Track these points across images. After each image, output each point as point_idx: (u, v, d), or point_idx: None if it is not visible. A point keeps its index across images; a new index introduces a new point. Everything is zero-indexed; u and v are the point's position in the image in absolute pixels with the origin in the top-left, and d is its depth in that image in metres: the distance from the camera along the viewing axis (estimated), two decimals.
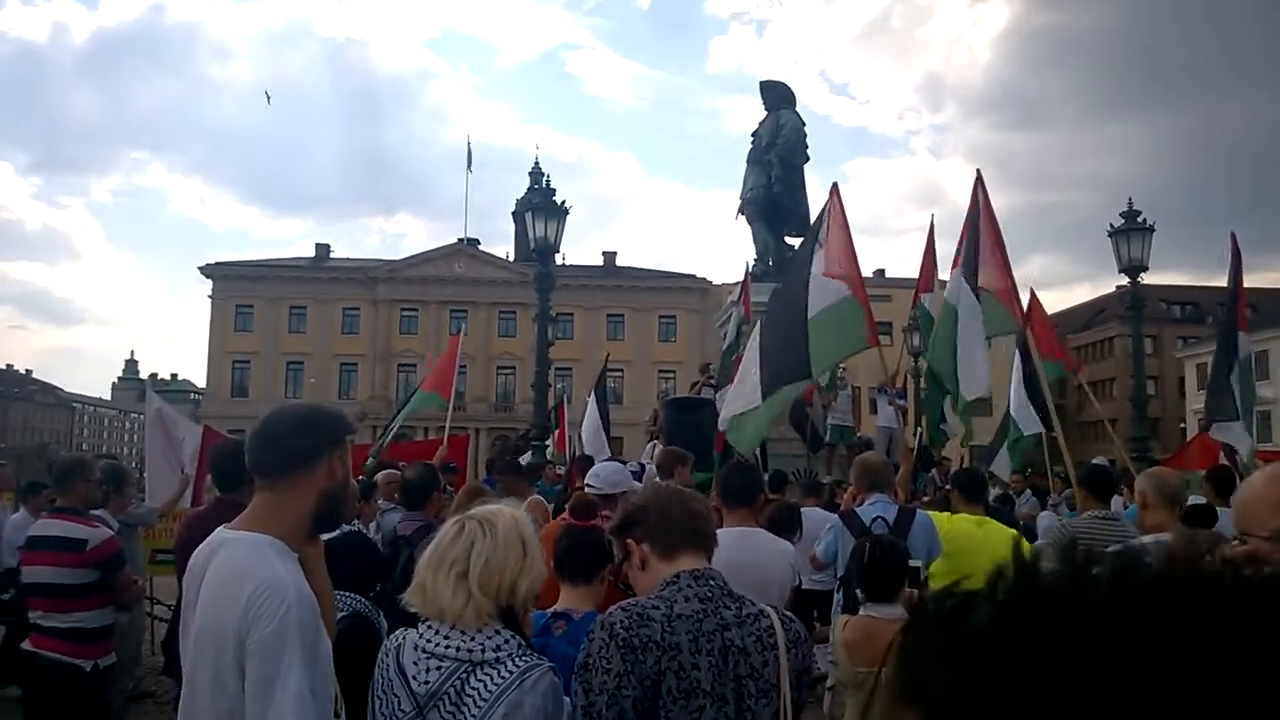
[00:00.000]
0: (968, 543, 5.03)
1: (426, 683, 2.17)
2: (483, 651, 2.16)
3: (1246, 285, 10.43)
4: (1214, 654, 0.44)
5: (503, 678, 2.13)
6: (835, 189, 7.19)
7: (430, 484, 5.80)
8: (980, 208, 7.21)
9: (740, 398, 7.35)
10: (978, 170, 7.26)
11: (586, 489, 5.35)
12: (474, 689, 2.13)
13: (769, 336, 7.22)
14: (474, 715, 2.11)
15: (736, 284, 13.39)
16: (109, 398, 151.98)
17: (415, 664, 2.20)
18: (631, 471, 8.99)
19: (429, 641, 2.21)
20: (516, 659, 2.17)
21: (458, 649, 2.17)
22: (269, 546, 2.09)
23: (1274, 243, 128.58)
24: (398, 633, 2.33)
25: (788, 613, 2.39)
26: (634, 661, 2.10)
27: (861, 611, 3.84)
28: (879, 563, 3.84)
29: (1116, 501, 6.89)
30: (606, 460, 6.17)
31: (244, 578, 2.03)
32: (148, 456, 8.99)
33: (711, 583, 2.27)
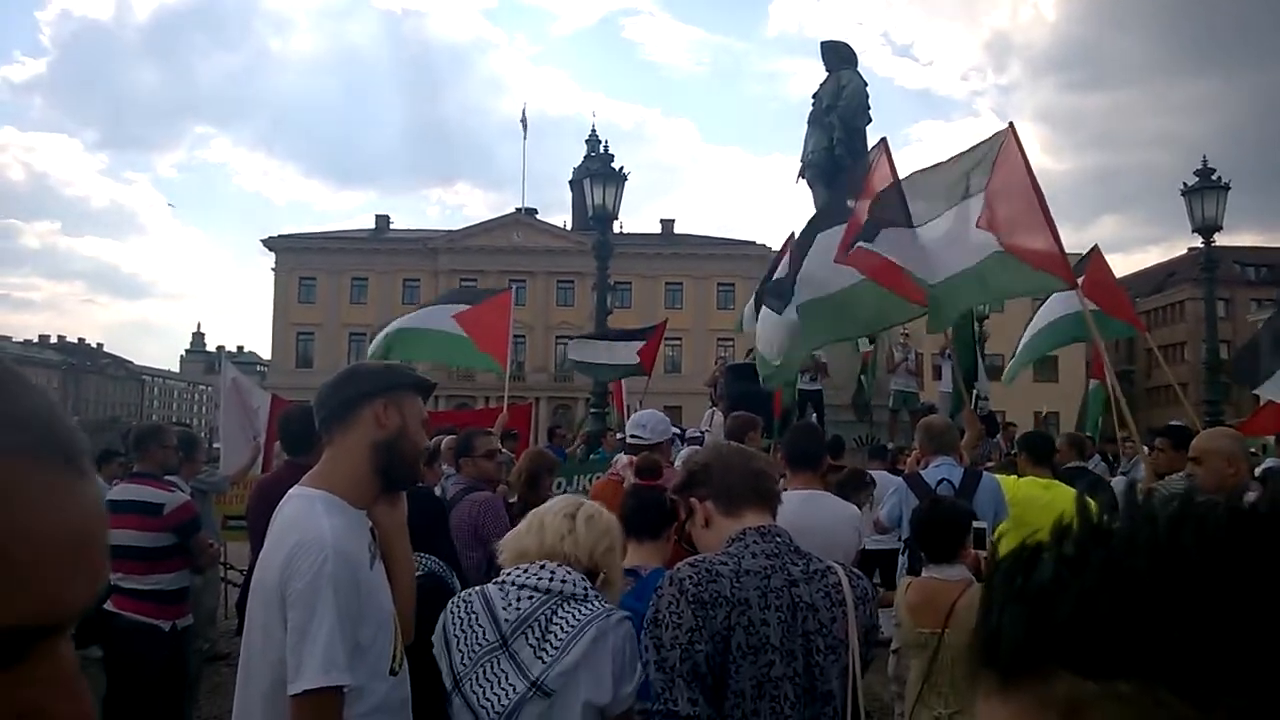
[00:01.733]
0: (1034, 505, 4.95)
1: (517, 610, 2.24)
2: (573, 585, 2.26)
3: None
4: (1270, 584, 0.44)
5: (591, 610, 2.23)
6: (884, 144, 6.96)
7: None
8: (1016, 164, 6.67)
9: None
10: (1010, 124, 6.75)
11: (630, 439, 5.35)
12: (562, 619, 2.21)
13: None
14: (560, 640, 2.18)
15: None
16: (177, 370, 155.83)
17: (504, 595, 2.28)
18: (691, 439, 9.00)
19: (519, 575, 2.30)
20: (603, 600, 2.29)
21: (550, 579, 2.27)
22: (320, 501, 2.09)
23: None
24: (476, 587, 2.40)
25: (855, 570, 2.37)
26: (705, 617, 2.09)
27: (924, 573, 3.80)
28: (939, 523, 3.80)
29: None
30: (646, 411, 6.12)
31: (289, 531, 2.06)
32: (222, 425, 9.20)
33: (778, 539, 2.25)
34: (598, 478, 6.33)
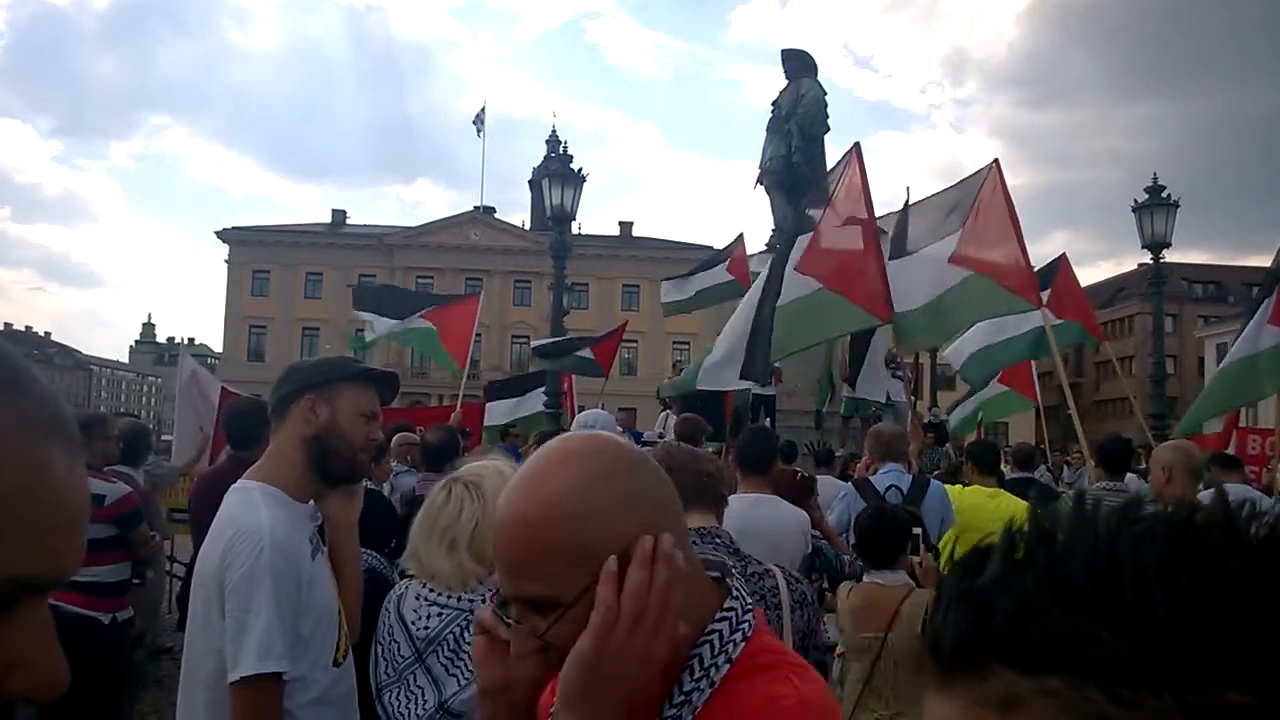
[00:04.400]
0: (980, 513, 5.04)
1: (426, 628, 2.21)
2: (483, 602, 2.19)
3: (1257, 265, 10.22)
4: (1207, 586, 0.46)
5: None
6: (857, 149, 7.08)
7: (452, 446, 5.83)
8: (993, 194, 6.99)
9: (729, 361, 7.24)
10: (995, 160, 7.05)
11: None
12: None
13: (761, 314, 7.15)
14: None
15: (754, 255, 13.30)
16: (126, 361, 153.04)
17: (415, 611, 2.24)
18: (646, 442, 9.04)
19: (431, 591, 2.25)
20: None
21: (459, 599, 2.22)
22: (259, 493, 2.09)
23: None
24: (401, 583, 2.37)
25: (795, 573, 2.37)
26: None
27: (865, 578, 3.85)
28: (880, 530, 3.84)
29: (1132, 479, 6.86)
30: (591, 411, 6.17)
31: (228, 523, 2.06)
32: (177, 418, 9.06)
33: (717, 540, 2.24)
34: None
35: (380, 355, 55.71)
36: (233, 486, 2.17)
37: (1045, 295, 9.41)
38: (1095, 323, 12.09)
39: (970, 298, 6.93)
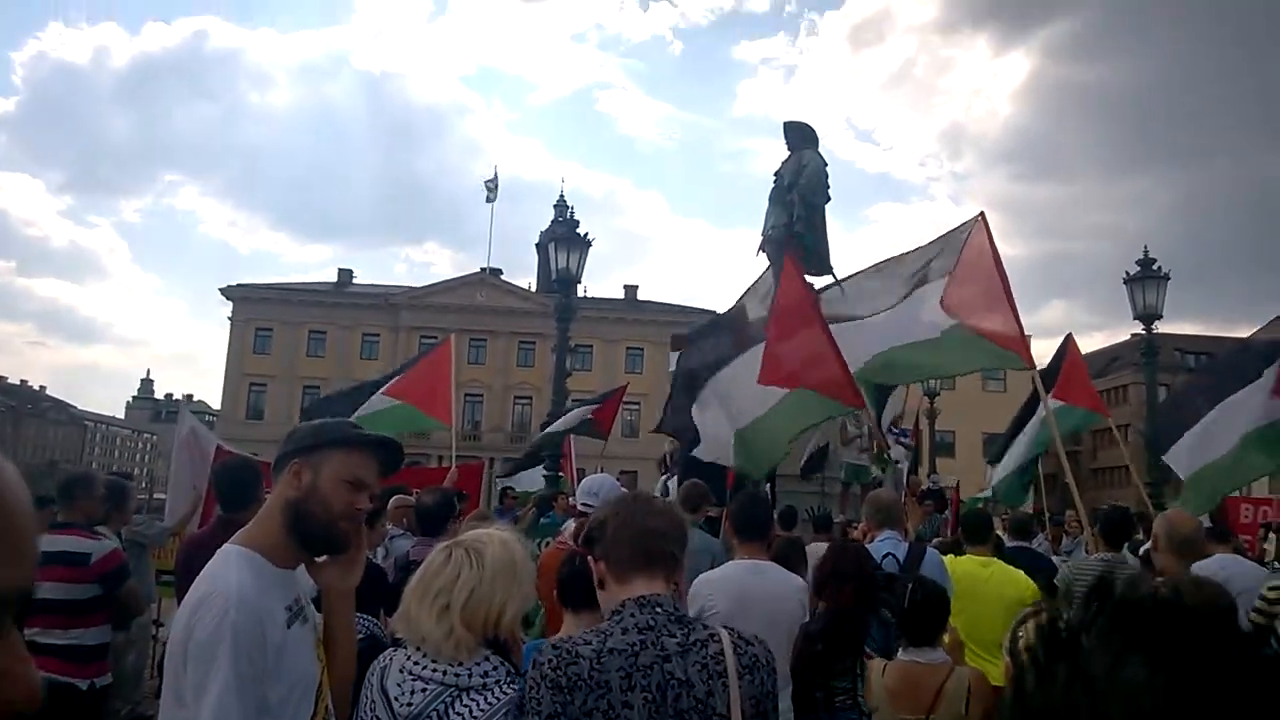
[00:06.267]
0: (972, 582, 5.02)
1: (410, 705, 2.14)
2: (470, 677, 2.14)
3: (1241, 335, 10.25)
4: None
5: (489, 704, 2.11)
6: (790, 259, 7.34)
7: (447, 510, 5.75)
8: (980, 251, 7.03)
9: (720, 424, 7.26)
10: (981, 212, 7.09)
11: (581, 507, 5.28)
12: (459, 714, 2.10)
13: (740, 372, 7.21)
14: None
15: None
16: (123, 416, 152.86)
17: (400, 685, 2.17)
18: (584, 509, 8.95)
19: (415, 664, 2.18)
20: (504, 686, 2.14)
21: (444, 673, 2.15)
22: (236, 555, 2.05)
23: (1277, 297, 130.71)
24: (385, 653, 2.30)
25: (749, 635, 2.19)
26: (563, 702, 1.98)
27: (901, 655, 3.67)
28: (923, 606, 3.67)
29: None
30: (596, 476, 6.14)
31: (199, 586, 2.02)
32: (172, 475, 8.97)
33: (658, 610, 2.09)
34: (548, 543, 6.26)
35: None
36: (219, 550, 2.13)
37: (1054, 377, 9.46)
38: (1100, 403, 12.04)
39: (958, 347, 6.98)
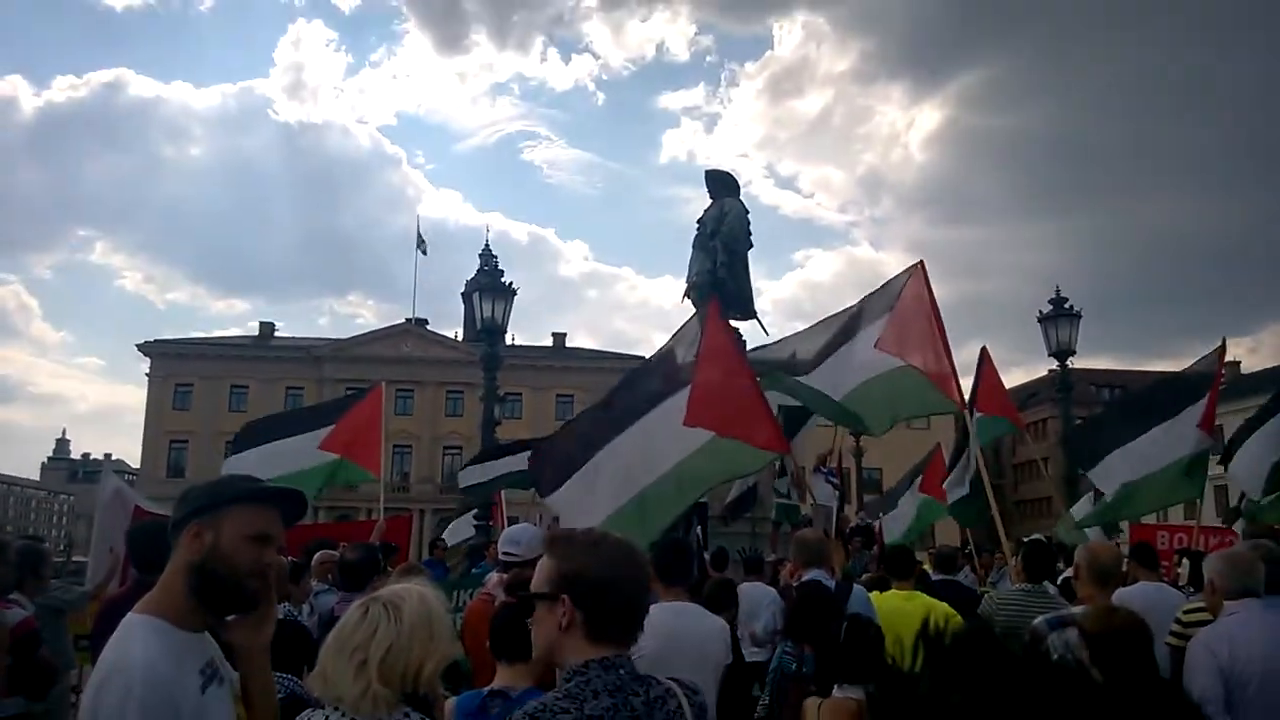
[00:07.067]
0: (896, 617, 5.13)
1: None
2: None
3: (1152, 369, 10.76)
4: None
5: None
6: (714, 306, 7.48)
7: (371, 565, 5.70)
8: (917, 297, 7.35)
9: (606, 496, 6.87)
10: (920, 261, 7.45)
11: (503, 555, 5.27)
12: None
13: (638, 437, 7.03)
14: None
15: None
16: (38, 478, 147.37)
17: None
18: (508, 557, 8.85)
19: None
20: None
21: None
22: (140, 625, 2.01)
23: (1189, 331, 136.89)
24: (305, 713, 2.27)
25: (690, 684, 2.18)
26: None
27: (836, 692, 3.73)
28: (856, 644, 3.77)
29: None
30: (519, 525, 6.15)
31: (103, 661, 1.98)
32: (95, 538, 8.67)
33: (621, 671, 2.06)
34: (475, 594, 6.23)
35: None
36: (122, 620, 2.08)
37: (969, 389, 9.77)
38: (1017, 415, 12.49)
39: (903, 390, 7.24)
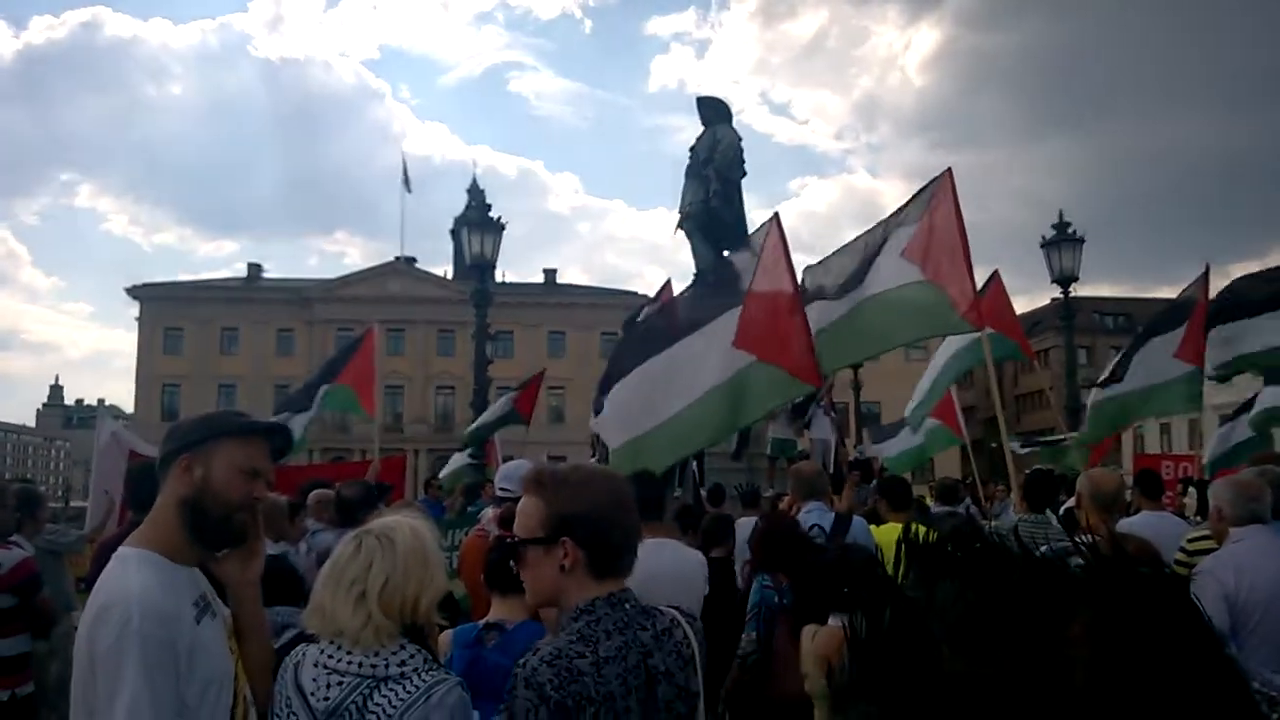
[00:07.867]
0: (892, 550, 5.09)
1: (326, 699, 2.09)
2: (386, 667, 2.10)
3: (1159, 296, 10.67)
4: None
5: (408, 693, 2.07)
6: (776, 220, 7.05)
7: (368, 501, 5.68)
8: (946, 207, 6.97)
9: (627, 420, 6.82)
10: (948, 169, 6.94)
11: (500, 492, 5.27)
12: (378, 705, 2.06)
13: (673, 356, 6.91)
14: None
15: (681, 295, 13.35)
16: (34, 424, 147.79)
17: (315, 680, 2.12)
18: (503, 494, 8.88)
19: (330, 658, 2.14)
20: (422, 674, 2.11)
21: (360, 664, 2.11)
22: (134, 558, 2.02)
23: (1198, 256, 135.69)
24: (298, 649, 2.24)
25: (688, 611, 2.18)
26: None
27: (832, 621, 3.72)
28: (845, 571, 3.70)
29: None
30: (515, 461, 6.10)
31: (98, 593, 1.99)
32: (93, 482, 8.70)
33: (627, 605, 2.03)
34: (471, 531, 6.21)
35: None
36: (114, 554, 2.08)
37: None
38: (1026, 342, 12.38)
39: (921, 305, 6.88)
